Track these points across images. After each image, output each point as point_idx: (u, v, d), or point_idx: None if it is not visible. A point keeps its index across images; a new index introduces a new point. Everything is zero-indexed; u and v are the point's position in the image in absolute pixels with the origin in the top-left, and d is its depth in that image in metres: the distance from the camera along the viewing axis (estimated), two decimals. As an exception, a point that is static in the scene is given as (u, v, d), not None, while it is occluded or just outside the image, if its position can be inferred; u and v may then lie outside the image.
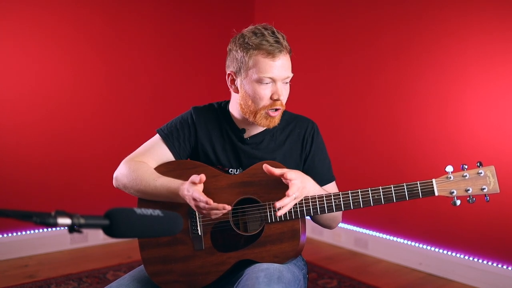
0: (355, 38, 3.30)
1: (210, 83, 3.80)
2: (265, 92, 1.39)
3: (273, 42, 1.36)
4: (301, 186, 1.30)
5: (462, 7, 2.70)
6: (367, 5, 3.22)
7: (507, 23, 2.51)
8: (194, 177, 1.30)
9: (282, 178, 1.31)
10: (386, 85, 3.13)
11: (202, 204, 1.28)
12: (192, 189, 1.30)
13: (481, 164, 1.26)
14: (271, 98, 1.39)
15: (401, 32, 3.02)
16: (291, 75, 1.42)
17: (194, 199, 1.29)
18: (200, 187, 1.31)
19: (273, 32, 1.39)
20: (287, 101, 1.47)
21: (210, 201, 1.27)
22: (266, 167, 1.31)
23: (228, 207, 1.30)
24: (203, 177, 1.30)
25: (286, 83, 1.43)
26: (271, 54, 1.36)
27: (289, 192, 1.27)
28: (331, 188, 1.52)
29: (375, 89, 3.20)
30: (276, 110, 1.41)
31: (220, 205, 1.28)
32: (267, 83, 1.39)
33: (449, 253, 2.83)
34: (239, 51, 1.40)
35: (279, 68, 1.37)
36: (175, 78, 3.72)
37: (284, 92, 1.42)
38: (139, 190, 1.42)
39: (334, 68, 3.47)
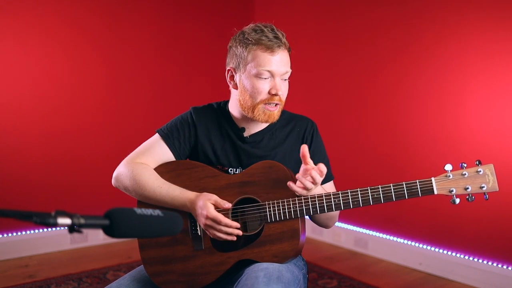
0: (355, 38, 3.30)
1: (210, 83, 3.80)
2: (263, 86, 1.40)
3: (272, 38, 1.39)
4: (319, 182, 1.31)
5: (462, 7, 2.71)
6: (367, 5, 3.22)
7: (507, 23, 2.51)
8: (220, 201, 1.35)
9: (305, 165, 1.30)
10: (386, 84, 3.13)
11: (221, 228, 1.32)
12: (211, 209, 1.33)
13: (480, 163, 1.26)
14: (269, 93, 1.41)
15: (401, 32, 3.02)
16: (290, 70, 1.43)
17: (213, 219, 1.32)
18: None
19: (272, 29, 1.42)
20: (287, 99, 1.47)
21: (234, 224, 1.33)
22: (304, 148, 1.29)
23: (239, 232, 1.34)
24: (228, 206, 1.35)
25: (285, 80, 1.44)
26: (270, 48, 1.38)
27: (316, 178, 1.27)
28: (329, 187, 1.53)
29: (375, 88, 3.20)
30: (276, 105, 1.42)
31: (233, 227, 1.33)
32: (265, 78, 1.40)
33: (449, 253, 2.83)
34: (238, 47, 1.43)
35: (277, 63, 1.39)
36: (175, 78, 3.72)
37: (282, 88, 1.42)
38: (141, 195, 1.43)
39: (334, 67, 3.47)
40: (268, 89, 1.40)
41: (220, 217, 1.31)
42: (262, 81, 1.40)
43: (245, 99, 1.43)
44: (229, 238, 1.34)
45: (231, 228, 1.32)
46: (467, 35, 2.69)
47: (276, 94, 1.40)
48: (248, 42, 1.40)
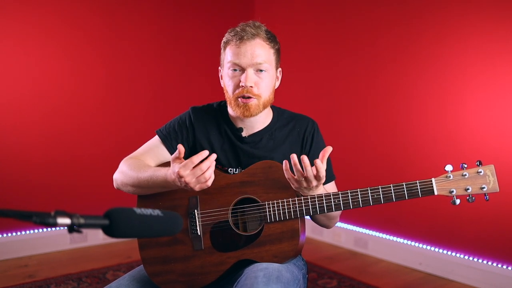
0: (355, 38, 3.30)
1: (210, 83, 3.80)
2: (233, 79, 1.42)
3: (240, 31, 1.41)
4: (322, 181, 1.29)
5: (462, 7, 2.70)
6: (367, 5, 3.22)
7: (507, 23, 2.51)
8: (173, 155, 1.26)
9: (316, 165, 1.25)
10: (386, 84, 3.13)
11: (196, 171, 1.21)
12: (177, 164, 1.24)
13: (480, 163, 1.26)
14: (240, 85, 1.41)
15: (401, 32, 3.02)
16: (263, 62, 1.41)
17: (185, 168, 1.21)
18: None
19: (248, 24, 1.43)
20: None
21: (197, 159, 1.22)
22: (326, 150, 1.27)
23: (213, 156, 1.25)
24: (181, 148, 1.25)
25: (260, 70, 1.42)
26: (238, 41, 1.40)
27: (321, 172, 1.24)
28: (331, 187, 1.52)
29: (375, 88, 3.20)
30: (249, 98, 1.41)
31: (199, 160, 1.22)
32: (236, 71, 1.42)
33: (449, 253, 2.83)
34: (222, 48, 1.48)
35: (244, 54, 1.40)
36: (175, 78, 3.72)
37: (254, 79, 1.40)
38: (133, 184, 1.41)
39: (334, 67, 3.47)
40: (238, 82, 1.41)
41: (188, 162, 1.21)
42: (233, 74, 1.42)
43: (226, 95, 1.47)
44: (211, 170, 1.24)
45: (206, 162, 1.23)
46: (467, 35, 2.68)
47: (243, 86, 1.40)
48: (224, 40, 1.46)
